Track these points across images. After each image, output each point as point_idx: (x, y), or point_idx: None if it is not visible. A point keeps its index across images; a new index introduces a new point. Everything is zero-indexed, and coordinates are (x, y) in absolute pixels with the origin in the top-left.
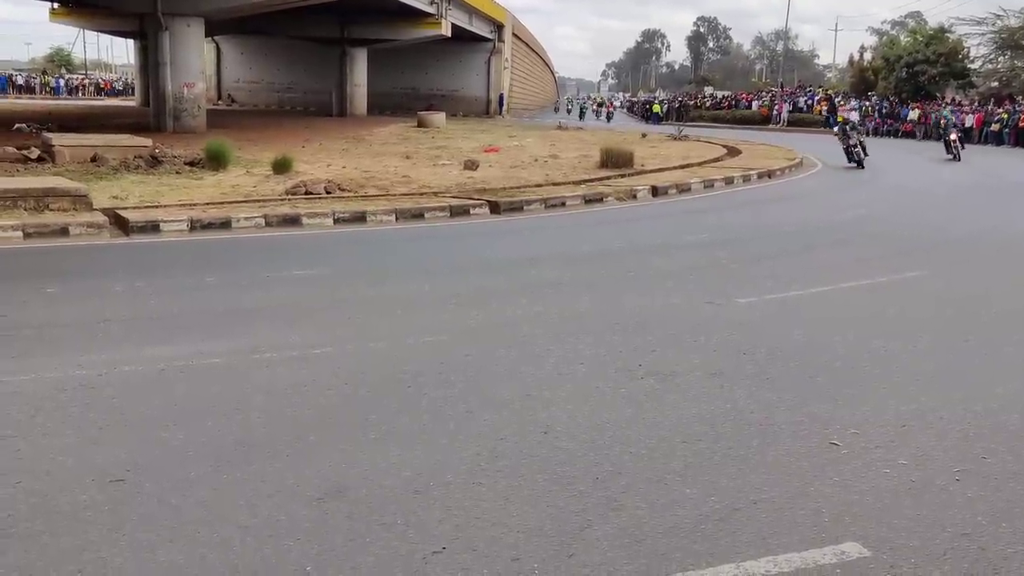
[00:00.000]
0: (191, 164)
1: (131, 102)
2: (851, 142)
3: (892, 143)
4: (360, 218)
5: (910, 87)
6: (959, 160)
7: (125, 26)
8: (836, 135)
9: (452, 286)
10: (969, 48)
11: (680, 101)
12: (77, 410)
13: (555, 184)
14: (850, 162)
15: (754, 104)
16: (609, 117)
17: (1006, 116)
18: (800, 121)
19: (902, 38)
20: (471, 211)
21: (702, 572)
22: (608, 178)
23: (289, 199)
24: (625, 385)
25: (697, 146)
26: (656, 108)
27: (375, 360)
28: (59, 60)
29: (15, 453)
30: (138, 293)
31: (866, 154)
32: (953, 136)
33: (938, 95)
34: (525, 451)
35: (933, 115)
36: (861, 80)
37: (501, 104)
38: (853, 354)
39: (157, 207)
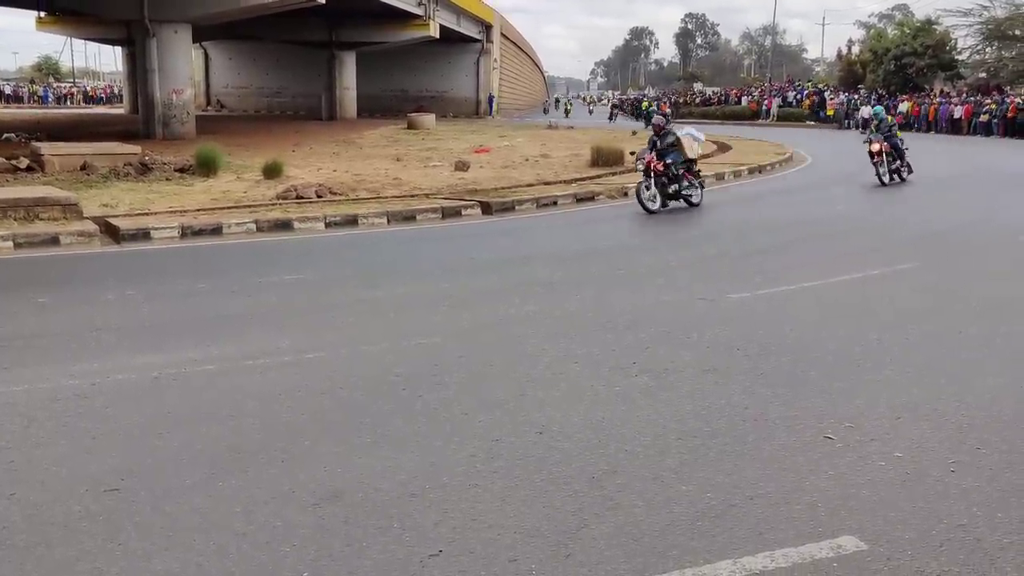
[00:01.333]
0: (181, 170)
1: (120, 109)
2: (639, 164)
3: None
4: (352, 221)
5: (899, 80)
6: (888, 183)
7: (112, 33)
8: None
9: (444, 287)
10: (956, 39)
11: (670, 98)
12: (70, 420)
13: (546, 183)
14: (649, 209)
15: (743, 100)
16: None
17: (994, 107)
18: (789, 116)
19: (889, 31)
20: (463, 212)
21: (699, 569)
22: (599, 176)
23: (280, 204)
24: (619, 383)
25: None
26: (645, 105)
27: (368, 363)
28: (47, 69)
29: (9, 464)
30: (130, 301)
31: (697, 186)
32: (876, 147)
33: (926, 87)
34: (521, 452)
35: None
36: (850, 74)
37: (491, 104)
38: (846, 348)
39: (147, 214)
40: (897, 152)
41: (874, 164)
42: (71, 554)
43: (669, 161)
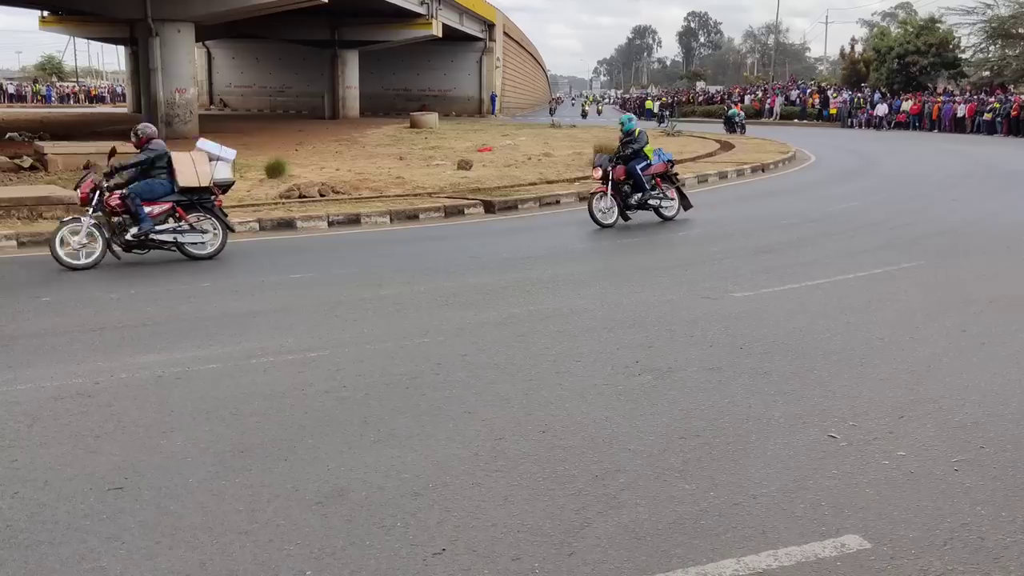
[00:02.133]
0: None
1: (123, 109)
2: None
3: (869, 134)
4: (354, 220)
5: (902, 78)
6: (614, 223)
7: (115, 33)
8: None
9: (447, 286)
10: (960, 38)
11: (673, 97)
12: (74, 419)
13: (549, 182)
14: (68, 264)
15: (746, 98)
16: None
17: (998, 105)
18: (792, 115)
19: (893, 29)
20: (465, 211)
21: (703, 568)
22: None
23: (283, 203)
24: (622, 382)
25: (690, 141)
26: (648, 104)
27: (372, 362)
28: (50, 68)
29: (12, 463)
30: (133, 300)
31: (205, 230)
32: (598, 173)
33: (930, 85)
34: (524, 450)
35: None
36: (853, 72)
37: (493, 103)
38: (849, 346)
39: None
40: (635, 181)
41: (590, 197)
42: (76, 553)
43: (127, 192)
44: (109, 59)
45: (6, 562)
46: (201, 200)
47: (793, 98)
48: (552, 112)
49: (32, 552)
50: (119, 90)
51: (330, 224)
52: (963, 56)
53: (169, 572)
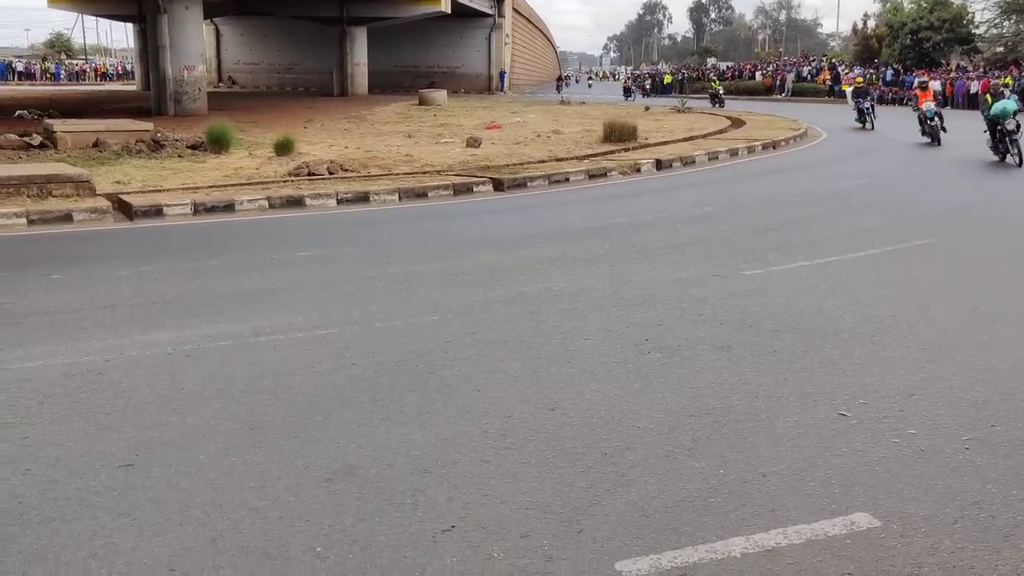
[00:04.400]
0: (193, 147)
1: (132, 86)
2: None
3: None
4: (363, 198)
5: (915, 54)
6: None
7: (123, 10)
8: None
9: (456, 264)
10: (973, 13)
11: (683, 73)
12: (85, 396)
13: (558, 160)
14: None
15: (757, 74)
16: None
17: (1011, 82)
18: (804, 91)
19: (906, 4)
20: (474, 189)
21: (712, 545)
22: (611, 152)
23: (292, 180)
24: (632, 360)
25: (701, 118)
26: (668, 79)
27: (381, 340)
28: (59, 46)
29: (24, 440)
30: (143, 278)
31: None
32: None
33: (943, 61)
34: (533, 428)
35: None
36: (865, 48)
37: (503, 80)
38: (860, 324)
39: (160, 191)
40: None
41: None
42: (87, 529)
43: None
44: (118, 36)
45: (18, 538)
46: None
47: (804, 74)
48: (559, 88)
49: (44, 528)
50: (128, 68)
51: (339, 202)
52: (977, 32)
53: (180, 548)
